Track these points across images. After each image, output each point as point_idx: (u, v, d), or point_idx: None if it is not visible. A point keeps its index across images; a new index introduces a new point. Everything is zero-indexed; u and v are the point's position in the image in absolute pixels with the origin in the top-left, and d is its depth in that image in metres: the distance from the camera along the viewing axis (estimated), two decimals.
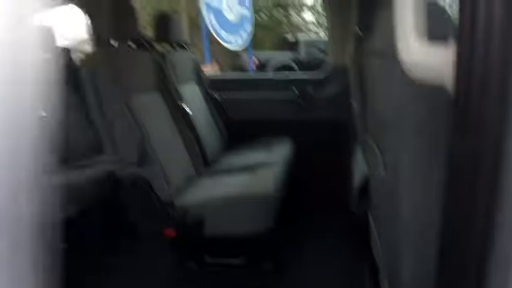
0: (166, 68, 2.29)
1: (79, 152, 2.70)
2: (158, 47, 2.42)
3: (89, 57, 1.95)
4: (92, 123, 2.19)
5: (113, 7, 1.89)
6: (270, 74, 4.51)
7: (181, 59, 2.52)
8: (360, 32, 1.94)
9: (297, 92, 2.67)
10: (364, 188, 1.78)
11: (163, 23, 2.42)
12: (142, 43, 2.17)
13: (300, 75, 3.09)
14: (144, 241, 2.15)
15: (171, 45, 2.55)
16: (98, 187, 2.19)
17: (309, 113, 2.66)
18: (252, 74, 5.00)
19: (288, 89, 2.70)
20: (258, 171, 2.10)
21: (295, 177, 2.37)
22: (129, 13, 1.99)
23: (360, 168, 2.03)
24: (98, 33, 1.93)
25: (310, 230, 2.40)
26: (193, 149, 2.24)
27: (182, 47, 2.63)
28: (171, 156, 2.03)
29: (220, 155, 2.57)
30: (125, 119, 1.80)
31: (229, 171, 2.23)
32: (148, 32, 2.43)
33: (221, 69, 8.32)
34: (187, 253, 2.07)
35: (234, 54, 10.68)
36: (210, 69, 7.49)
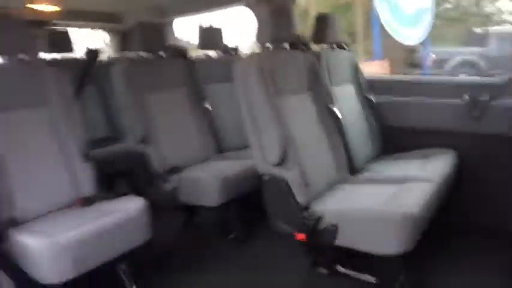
0: (320, 69, 2.26)
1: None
2: (316, 47, 2.40)
3: (245, 58, 2.06)
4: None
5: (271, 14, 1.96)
6: (438, 77, 4.03)
7: (337, 59, 2.46)
8: None
9: (468, 98, 2.31)
10: None
11: (321, 23, 2.39)
12: (297, 44, 2.18)
13: (474, 79, 2.67)
14: (278, 240, 2.20)
15: (330, 46, 2.51)
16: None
17: (480, 125, 2.29)
18: (418, 76, 4.54)
19: (458, 95, 2.37)
20: (408, 186, 1.90)
21: (454, 196, 2.09)
22: (285, 18, 2.03)
23: None
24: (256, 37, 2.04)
25: (460, 255, 2.09)
26: (340, 154, 2.17)
27: (341, 47, 2.56)
28: (314, 161, 2.00)
29: (372, 163, 2.43)
30: (268, 117, 1.85)
31: (376, 181, 2.09)
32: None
33: (393, 66, 7.82)
34: (318, 258, 2.03)
35: (410, 50, 9.90)
36: (379, 67, 7.12)
